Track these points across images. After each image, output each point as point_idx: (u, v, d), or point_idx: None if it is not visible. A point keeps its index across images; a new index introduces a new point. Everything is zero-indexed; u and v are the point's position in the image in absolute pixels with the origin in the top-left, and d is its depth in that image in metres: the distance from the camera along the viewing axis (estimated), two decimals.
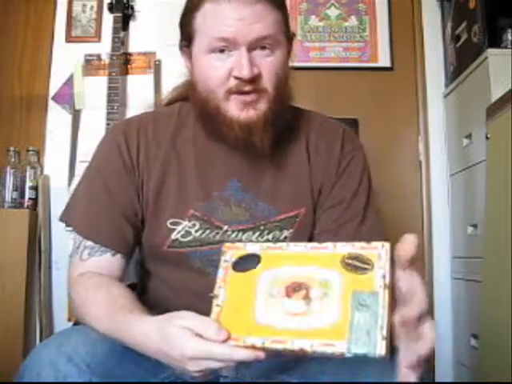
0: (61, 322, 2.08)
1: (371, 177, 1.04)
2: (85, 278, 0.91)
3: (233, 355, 0.66)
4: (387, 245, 0.68)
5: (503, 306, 1.31)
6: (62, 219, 1.00)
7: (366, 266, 0.67)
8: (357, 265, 0.68)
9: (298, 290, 0.69)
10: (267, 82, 0.89)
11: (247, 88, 0.88)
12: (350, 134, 1.06)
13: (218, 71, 0.88)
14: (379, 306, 0.64)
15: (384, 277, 0.65)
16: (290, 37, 0.96)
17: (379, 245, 0.68)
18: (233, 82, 0.88)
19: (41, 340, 2.00)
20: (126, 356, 0.74)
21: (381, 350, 0.62)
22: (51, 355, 0.74)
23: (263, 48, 0.88)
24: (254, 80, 0.87)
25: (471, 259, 1.88)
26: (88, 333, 0.79)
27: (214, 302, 0.71)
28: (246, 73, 0.86)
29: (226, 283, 0.72)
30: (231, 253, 0.75)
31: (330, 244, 0.71)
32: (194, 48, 0.92)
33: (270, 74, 0.89)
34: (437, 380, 1.97)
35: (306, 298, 0.68)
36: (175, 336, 0.68)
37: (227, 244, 0.76)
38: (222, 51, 0.88)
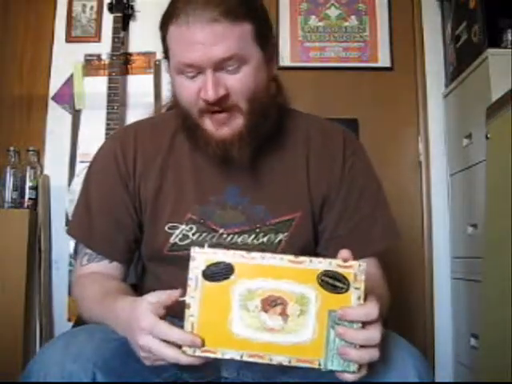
0: (61, 321, 2.09)
1: (377, 175, 1.05)
2: (83, 278, 0.97)
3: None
4: (364, 265, 0.70)
5: (503, 306, 1.31)
6: (67, 232, 1.04)
7: (341, 285, 0.69)
8: (333, 283, 0.69)
9: (274, 305, 0.69)
10: (238, 99, 0.88)
11: (216, 108, 0.88)
12: (350, 136, 1.07)
13: (189, 91, 0.89)
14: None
15: (359, 298, 0.69)
16: (267, 40, 0.92)
17: (356, 264, 0.70)
18: (201, 103, 0.88)
19: (41, 340, 2.00)
20: (130, 355, 0.75)
21: (354, 366, 0.68)
22: (57, 355, 0.75)
23: (230, 66, 0.87)
24: (221, 100, 0.87)
25: (471, 259, 1.88)
26: (94, 332, 0.80)
27: (187, 312, 0.69)
28: (210, 94, 0.85)
29: (198, 293, 0.70)
30: (201, 259, 0.71)
31: (306, 258, 0.70)
32: (170, 66, 0.94)
33: (240, 90, 0.88)
34: (437, 380, 1.97)
35: (283, 314, 0.69)
36: (140, 307, 0.72)
37: (196, 249, 0.71)
38: (190, 72, 0.88)
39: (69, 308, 2.10)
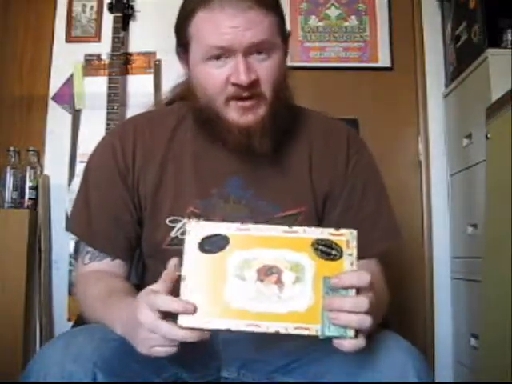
0: (61, 321, 2.08)
1: (380, 173, 1.05)
2: (86, 276, 0.96)
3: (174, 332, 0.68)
4: (355, 232, 0.72)
5: (503, 306, 1.31)
6: (66, 228, 1.04)
7: (334, 253, 0.70)
8: (326, 251, 0.70)
9: (269, 273, 0.69)
10: (265, 86, 0.89)
11: (246, 94, 0.88)
12: (354, 134, 1.07)
13: (216, 79, 0.88)
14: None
15: (352, 264, 0.70)
16: (285, 36, 0.96)
17: (347, 232, 0.72)
18: (231, 89, 0.88)
19: (41, 340, 1.99)
20: (130, 356, 0.75)
21: (351, 332, 0.67)
22: (57, 355, 0.75)
23: (259, 53, 0.88)
24: (252, 85, 0.87)
25: (471, 259, 1.88)
26: (94, 332, 0.80)
27: (183, 283, 0.69)
28: (243, 78, 0.86)
29: (194, 265, 0.70)
30: (196, 232, 0.72)
31: (299, 228, 0.72)
32: (191, 55, 0.92)
33: (268, 77, 0.89)
34: (437, 380, 1.97)
35: (278, 282, 0.69)
36: (139, 298, 0.72)
37: (192, 222, 0.73)
38: (218, 58, 0.88)
39: (69, 308, 2.10)
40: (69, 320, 2.06)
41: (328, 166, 1.01)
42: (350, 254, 0.70)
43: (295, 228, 0.72)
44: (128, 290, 0.90)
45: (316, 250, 0.70)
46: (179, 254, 0.96)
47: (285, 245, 0.71)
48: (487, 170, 1.54)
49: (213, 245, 0.71)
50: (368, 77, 2.26)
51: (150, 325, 0.70)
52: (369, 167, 1.04)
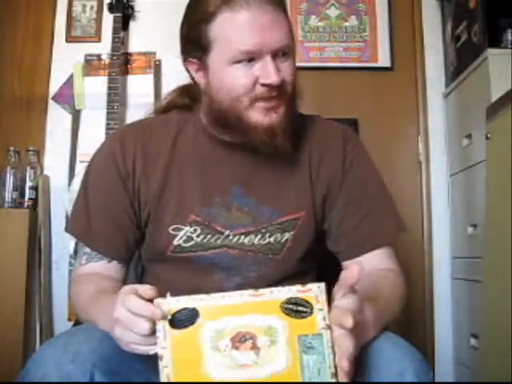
0: (61, 321, 2.08)
1: (377, 169, 1.05)
2: (80, 278, 0.97)
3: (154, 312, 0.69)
4: (322, 285, 0.71)
5: (503, 306, 1.31)
6: (65, 229, 1.04)
7: (305, 310, 0.70)
8: (296, 309, 0.70)
9: (243, 340, 0.69)
10: (287, 86, 0.91)
11: (274, 93, 0.89)
12: (350, 132, 1.08)
13: (244, 80, 0.89)
14: (324, 346, 0.68)
15: (324, 318, 0.69)
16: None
17: (315, 286, 0.71)
18: (259, 90, 0.89)
19: (41, 340, 2.00)
20: (129, 355, 0.75)
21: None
22: (56, 355, 0.74)
23: (283, 54, 0.90)
24: (280, 85, 0.89)
25: (471, 259, 1.88)
26: (92, 332, 0.80)
27: (161, 364, 0.69)
28: (274, 79, 0.87)
29: (168, 342, 0.69)
30: (165, 309, 0.70)
31: (266, 290, 0.71)
32: (212, 59, 0.91)
33: (289, 78, 0.91)
34: (437, 380, 1.97)
35: (254, 347, 0.69)
36: (119, 294, 0.72)
37: (158, 300, 0.71)
38: (245, 60, 0.88)
39: (69, 308, 2.09)
40: (69, 320, 2.06)
41: (326, 168, 1.01)
42: (321, 309, 0.70)
43: (261, 291, 0.71)
44: (118, 290, 0.90)
45: (286, 309, 0.70)
46: (182, 261, 0.97)
47: (254, 309, 0.70)
48: (487, 170, 1.54)
49: (183, 319, 0.70)
50: (368, 77, 2.26)
51: (123, 322, 0.70)
52: (366, 162, 1.05)
